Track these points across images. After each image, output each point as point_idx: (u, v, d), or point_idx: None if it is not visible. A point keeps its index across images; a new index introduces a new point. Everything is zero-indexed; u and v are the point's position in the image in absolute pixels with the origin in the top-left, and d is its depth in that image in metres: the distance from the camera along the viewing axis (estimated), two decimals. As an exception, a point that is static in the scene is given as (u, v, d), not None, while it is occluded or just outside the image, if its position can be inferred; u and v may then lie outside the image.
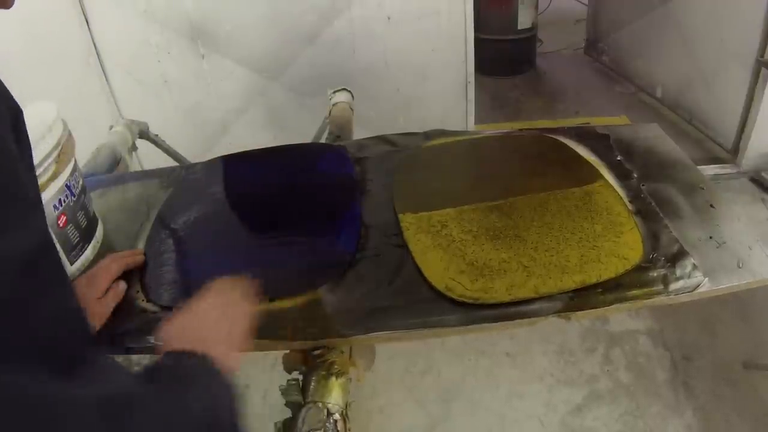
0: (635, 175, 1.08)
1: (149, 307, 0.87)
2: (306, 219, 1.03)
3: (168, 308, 0.85)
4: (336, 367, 0.79)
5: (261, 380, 1.53)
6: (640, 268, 0.86)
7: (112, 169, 1.34)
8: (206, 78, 2.24)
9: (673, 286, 0.83)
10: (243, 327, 0.66)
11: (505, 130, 1.32)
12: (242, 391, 0.54)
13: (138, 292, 0.89)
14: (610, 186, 1.04)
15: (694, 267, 0.85)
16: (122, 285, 0.87)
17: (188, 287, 0.87)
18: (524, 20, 3.44)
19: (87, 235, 0.97)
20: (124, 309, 0.86)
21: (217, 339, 0.61)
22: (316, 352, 0.81)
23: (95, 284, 0.83)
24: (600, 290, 0.83)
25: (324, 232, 0.99)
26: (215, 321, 0.63)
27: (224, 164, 1.22)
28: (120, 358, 0.84)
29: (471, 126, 2.33)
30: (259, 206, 1.09)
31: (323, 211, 1.05)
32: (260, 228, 1.04)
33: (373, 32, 2.11)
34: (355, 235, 0.96)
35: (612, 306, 0.82)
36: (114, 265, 0.87)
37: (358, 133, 1.42)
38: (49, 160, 0.87)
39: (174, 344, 0.57)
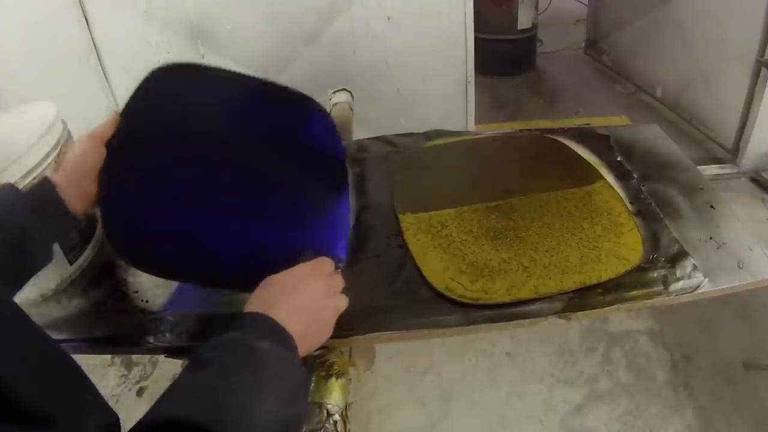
0: (635, 176, 1.08)
1: (148, 307, 0.87)
2: (289, 200, 0.86)
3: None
4: (336, 367, 0.79)
5: (261, 380, 1.53)
6: (641, 269, 0.86)
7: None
8: (206, 78, 2.23)
9: (673, 287, 0.83)
10: (330, 325, 0.67)
11: (505, 131, 1.32)
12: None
13: (136, 292, 0.89)
14: (611, 186, 1.04)
15: (695, 267, 0.85)
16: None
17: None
18: (524, 20, 3.44)
19: (87, 234, 0.97)
20: (121, 308, 0.86)
21: (305, 335, 0.61)
22: (316, 353, 0.81)
23: (78, 173, 0.73)
24: (600, 291, 0.83)
25: (312, 230, 0.88)
26: (306, 319, 0.63)
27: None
28: (119, 359, 0.84)
29: (471, 126, 2.33)
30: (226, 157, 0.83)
31: (309, 198, 0.89)
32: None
33: (373, 32, 2.11)
34: (345, 238, 0.92)
35: (612, 306, 0.82)
36: (84, 145, 0.74)
37: (358, 134, 1.42)
38: (49, 160, 0.88)
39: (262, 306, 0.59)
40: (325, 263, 0.72)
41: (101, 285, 0.93)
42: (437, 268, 0.87)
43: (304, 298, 0.64)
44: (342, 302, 0.70)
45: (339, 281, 0.72)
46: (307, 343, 0.62)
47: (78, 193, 0.72)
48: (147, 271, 0.80)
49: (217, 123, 0.83)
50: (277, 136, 0.89)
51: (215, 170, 0.81)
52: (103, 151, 0.73)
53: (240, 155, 0.83)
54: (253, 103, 0.88)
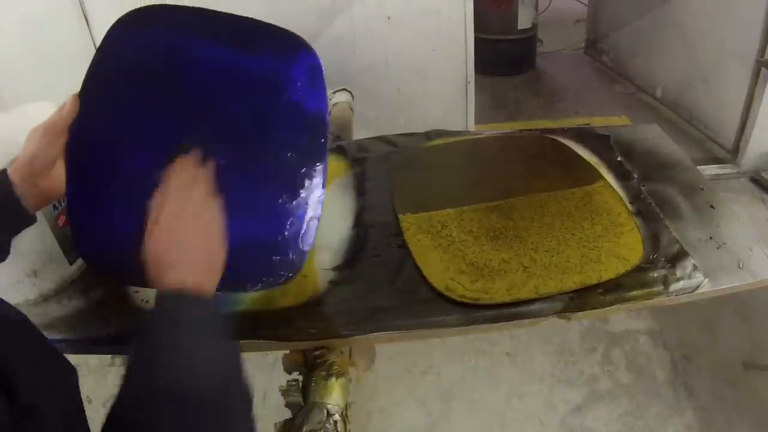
0: (635, 176, 1.08)
1: (148, 306, 0.87)
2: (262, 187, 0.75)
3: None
4: (336, 367, 0.79)
5: (261, 380, 1.53)
6: (641, 269, 0.86)
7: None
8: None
9: (673, 287, 0.83)
10: (219, 228, 0.61)
11: (505, 131, 1.32)
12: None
13: (137, 292, 0.89)
14: (611, 187, 1.04)
15: (695, 268, 0.85)
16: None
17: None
18: (524, 20, 3.43)
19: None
20: (121, 308, 0.86)
21: (197, 252, 0.58)
22: (316, 353, 0.81)
23: (31, 171, 0.68)
24: (600, 291, 0.83)
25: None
26: (189, 233, 0.58)
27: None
28: (119, 359, 0.84)
29: (471, 126, 2.32)
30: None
31: (281, 179, 0.77)
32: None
33: (373, 32, 2.11)
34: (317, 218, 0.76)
35: (612, 306, 0.82)
36: (34, 145, 0.69)
37: (359, 133, 1.42)
38: (49, 161, 0.87)
39: (157, 272, 0.56)
40: (179, 177, 0.63)
41: (101, 285, 0.93)
42: (437, 268, 0.87)
43: (184, 236, 0.58)
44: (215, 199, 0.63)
45: (203, 177, 0.64)
46: (213, 260, 0.59)
47: (32, 190, 0.68)
48: (114, 278, 0.77)
49: (186, 103, 0.74)
50: (255, 108, 0.77)
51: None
52: (58, 145, 0.68)
53: (212, 140, 0.72)
54: (230, 62, 0.76)
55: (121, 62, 0.73)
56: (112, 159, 0.71)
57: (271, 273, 0.74)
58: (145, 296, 0.88)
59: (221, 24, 0.77)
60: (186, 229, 0.58)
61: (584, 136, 1.22)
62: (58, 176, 0.70)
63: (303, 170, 0.76)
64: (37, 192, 0.69)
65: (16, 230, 0.70)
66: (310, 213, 0.76)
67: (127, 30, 0.74)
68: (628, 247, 0.89)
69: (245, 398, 0.52)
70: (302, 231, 0.75)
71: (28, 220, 0.70)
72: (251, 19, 0.78)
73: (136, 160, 0.69)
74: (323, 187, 0.77)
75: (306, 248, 0.75)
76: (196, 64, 0.74)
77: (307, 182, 0.76)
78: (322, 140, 0.79)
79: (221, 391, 0.49)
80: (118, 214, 0.70)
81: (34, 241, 0.88)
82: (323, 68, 0.83)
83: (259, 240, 0.73)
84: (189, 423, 0.46)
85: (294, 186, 0.75)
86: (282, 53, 0.80)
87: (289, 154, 0.76)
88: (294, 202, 0.75)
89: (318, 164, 0.77)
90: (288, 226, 0.75)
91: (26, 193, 0.68)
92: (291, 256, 0.74)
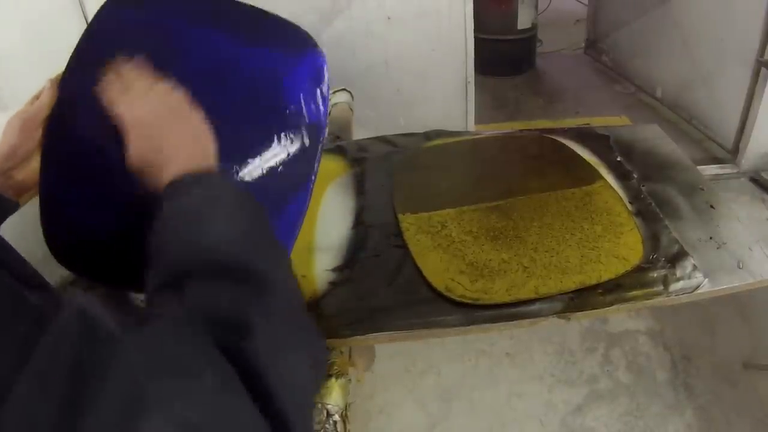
0: (635, 176, 1.08)
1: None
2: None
3: None
4: (336, 367, 0.79)
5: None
6: (640, 269, 0.86)
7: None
8: (206, 78, 2.23)
9: (673, 287, 0.83)
10: (195, 112, 0.57)
11: (505, 131, 1.32)
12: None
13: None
14: (610, 187, 1.04)
15: (694, 268, 0.85)
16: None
17: None
18: (524, 20, 3.43)
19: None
20: (121, 309, 0.85)
21: (183, 139, 0.55)
22: (316, 353, 0.81)
23: (7, 164, 0.66)
24: (600, 291, 0.83)
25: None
26: (165, 125, 0.55)
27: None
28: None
29: (471, 126, 2.33)
30: None
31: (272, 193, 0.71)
32: None
33: (373, 32, 2.11)
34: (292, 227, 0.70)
35: (612, 306, 0.82)
36: (11, 137, 0.66)
37: (358, 134, 1.42)
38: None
39: (151, 178, 0.53)
40: (122, 77, 0.60)
41: (101, 286, 0.93)
42: (437, 268, 0.87)
43: (162, 130, 0.55)
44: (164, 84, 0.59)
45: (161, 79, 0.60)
46: (203, 144, 0.56)
47: (9, 182, 0.66)
48: (88, 276, 0.73)
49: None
50: (252, 108, 0.71)
51: None
52: (36, 138, 0.65)
53: None
54: (227, 53, 0.70)
55: (104, 46, 0.67)
56: (90, 152, 0.67)
57: None
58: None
59: (221, 10, 0.72)
60: (162, 123, 0.56)
61: (584, 136, 1.22)
62: (34, 168, 0.67)
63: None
64: (14, 183, 0.67)
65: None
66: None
67: (113, 11, 0.68)
68: (628, 247, 0.89)
69: (279, 260, 0.50)
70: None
71: (10, 208, 0.68)
72: (255, 7, 0.72)
73: (116, 151, 0.62)
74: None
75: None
76: (186, 53, 0.68)
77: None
78: (315, 164, 0.72)
79: (252, 254, 0.47)
80: (93, 208, 0.67)
81: (33, 243, 0.88)
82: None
83: None
84: (223, 290, 0.44)
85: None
86: (287, 45, 0.74)
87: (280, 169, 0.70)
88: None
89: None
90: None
91: (3, 185, 0.66)
92: None
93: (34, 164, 0.67)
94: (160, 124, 0.56)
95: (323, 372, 0.49)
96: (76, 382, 0.32)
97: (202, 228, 0.48)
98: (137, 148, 0.55)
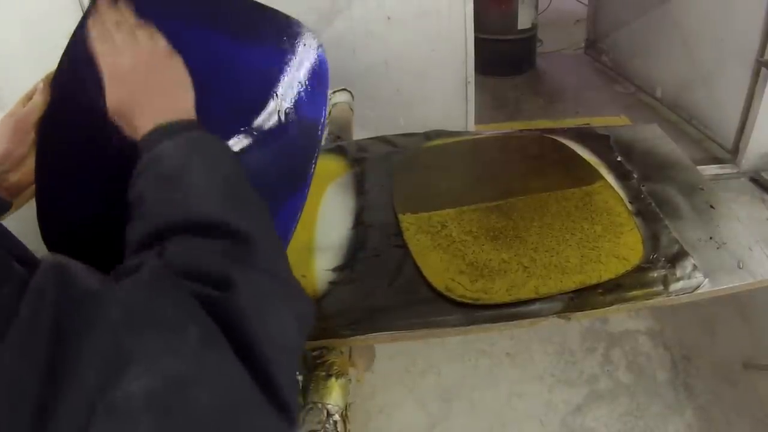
0: (635, 176, 1.08)
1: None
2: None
3: None
4: (335, 367, 0.79)
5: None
6: (640, 269, 0.86)
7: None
8: (206, 78, 2.23)
9: (673, 287, 0.83)
10: (175, 60, 0.57)
11: (505, 131, 1.32)
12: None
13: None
14: (610, 187, 1.04)
15: (694, 268, 0.85)
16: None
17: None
18: (524, 20, 3.43)
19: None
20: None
21: (162, 87, 0.54)
22: (316, 353, 0.81)
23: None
24: (600, 291, 0.83)
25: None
26: (143, 72, 0.55)
27: None
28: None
29: (471, 126, 2.33)
30: None
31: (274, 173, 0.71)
32: None
33: (372, 32, 2.11)
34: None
35: (612, 306, 0.82)
36: (5, 140, 0.65)
37: (358, 134, 1.42)
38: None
39: (130, 125, 0.53)
40: (107, 22, 0.60)
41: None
42: (437, 268, 0.87)
43: (139, 76, 0.55)
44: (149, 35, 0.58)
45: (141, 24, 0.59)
46: (181, 93, 0.56)
47: (4, 184, 0.66)
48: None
49: None
50: (244, 110, 0.70)
51: None
52: (29, 141, 0.65)
53: None
54: (225, 58, 0.69)
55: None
56: (84, 149, 0.67)
57: None
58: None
59: (220, 8, 0.70)
60: (140, 69, 0.55)
61: (584, 136, 1.22)
62: (28, 170, 0.67)
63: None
64: (8, 185, 0.67)
65: None
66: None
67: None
68: (628, 247, 0.89)
69: (258, 206, 0.50)
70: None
71: (3, 208, 0.67)
72: (252, 1, 0.70)
73: (111, 146, 0.62)
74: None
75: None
76: (181, 53, 0.65)
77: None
78: (312, 166, 0.70)
79: (231, 207, 0.47)
80: (89, 204, 0.67)
81: (35, 240, 0.88)
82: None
83: None
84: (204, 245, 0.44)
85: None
86: (281, 42, 0.72)
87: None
88: None
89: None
90: None
91: None
92: None
93: (29, 165, 0.67)
94: (139, 69, 0.55)
95: (309, 323, 0.48)
96: (56, 346, 0.32)
97: (183, 181, 0.47)
98: (114, 93, 0.54)
